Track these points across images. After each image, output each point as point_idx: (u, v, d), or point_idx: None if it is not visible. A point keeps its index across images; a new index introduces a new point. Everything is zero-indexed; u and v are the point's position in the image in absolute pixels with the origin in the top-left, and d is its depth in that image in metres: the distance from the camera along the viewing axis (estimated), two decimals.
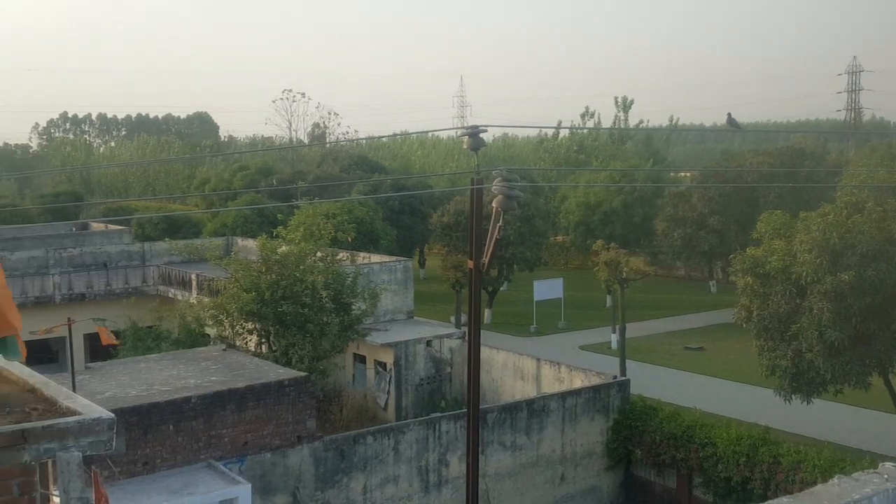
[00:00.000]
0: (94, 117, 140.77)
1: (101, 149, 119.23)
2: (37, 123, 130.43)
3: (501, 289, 47.46)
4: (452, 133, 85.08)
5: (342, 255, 27.48)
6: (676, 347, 38.60)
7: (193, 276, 33.11)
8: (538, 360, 26.19)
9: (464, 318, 38.14)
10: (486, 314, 44.05)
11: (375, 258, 32.89)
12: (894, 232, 19.33)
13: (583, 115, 72.29)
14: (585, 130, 72.77)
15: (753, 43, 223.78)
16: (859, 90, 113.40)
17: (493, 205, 13.26)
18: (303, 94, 79.60)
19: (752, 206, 44.35)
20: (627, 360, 32.11)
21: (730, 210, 46.43)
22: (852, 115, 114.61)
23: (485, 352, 28.03)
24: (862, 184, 22.91)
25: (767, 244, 21.31)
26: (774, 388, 21.11)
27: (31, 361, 5.32)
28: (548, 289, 43.10)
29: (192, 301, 28.60)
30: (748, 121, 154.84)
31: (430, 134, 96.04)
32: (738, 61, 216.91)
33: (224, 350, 21.10)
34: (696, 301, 49.41)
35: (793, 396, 20.80)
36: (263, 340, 23.44)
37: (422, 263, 59.48)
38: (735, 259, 21.58)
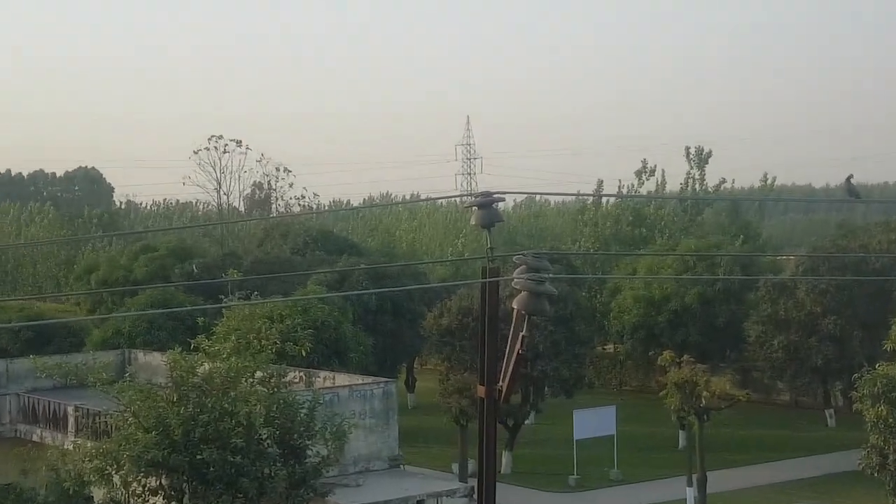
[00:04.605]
0: None
1: None
2: None
3: (527, 422, 46.93)
4: (456, 198, 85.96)
5: (293, 375, 27.34)
6: None
7: (70, 410, 32.92)
8: None
9: (472, 466, 37.54)
10: (505, 460, 43.34)
11: (343, 379, 32.66)
12: None
13: (639, 173, 72.99)
14: (643, 197, 73.21)
15: (881, 73, 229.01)
16: None
17: (514, 306, 13.12)
18: (238, 143, 79.71)
19: (884, 304, 44.23)
20: None
21: (852, 308, 46.34)
22: None
23: None
24: None
25: None
26: None
27: None
28: (594, 422, 42.58)
29: (67, 447, 28.35)
30: (875, 181, 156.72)
31: (423, 200, 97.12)
32: (860, 99, 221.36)
33: None
34: (806, 439, 48.68)
35: None
36: None
37: (411, 386, 58.95)
38: (861, 380, 21.45)
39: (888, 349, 22.51)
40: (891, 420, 20.77)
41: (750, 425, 50.43)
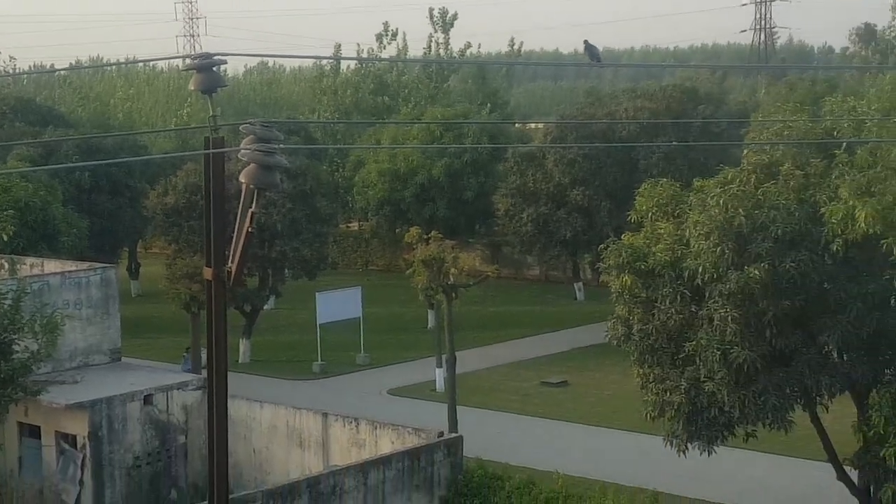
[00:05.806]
0: None
1: None
2: None
3: (266, 307, 47.12)
4: (179, 62, 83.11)
5: None
6: (530, 384, 40.03)
7: None
8: (325, 415, 26.71)
9: (204, 356, 37.39)
10: (243, 348, 43.47)
11: (53, 266, 32.01)
12: (820, 205, 20.90)
13: (380, 36, 73.04)
14: (385, 60, 73.39)
15: None
16: (771, 1, 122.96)
17: (242, 180, 13.01)
18: None
19: (631, 173, 46.85)
20: (460, 408, 32.86)
21: (600, 178, 48.74)
22: (762, 38, 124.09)
23: (240, 407, 27.96)
24: (776, 138, 24.66)
25: (650, 228, 22.46)
26: (664, 434, 22.33)
27: None
28: (339, 305, 43.26)
29: None
30: (621, 47, 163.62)
31: (140, 64, 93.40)
32: None
33: None
34: (556, 314, 51.43)
35: (689, 444, 22.08)
36: None
37: (134, 272, 58.27)
38: (607, 250, 22.52)
39: (632, 220, 23.70)
40: (635, 290, 21.90)
41: (500, 302, 52.66)
